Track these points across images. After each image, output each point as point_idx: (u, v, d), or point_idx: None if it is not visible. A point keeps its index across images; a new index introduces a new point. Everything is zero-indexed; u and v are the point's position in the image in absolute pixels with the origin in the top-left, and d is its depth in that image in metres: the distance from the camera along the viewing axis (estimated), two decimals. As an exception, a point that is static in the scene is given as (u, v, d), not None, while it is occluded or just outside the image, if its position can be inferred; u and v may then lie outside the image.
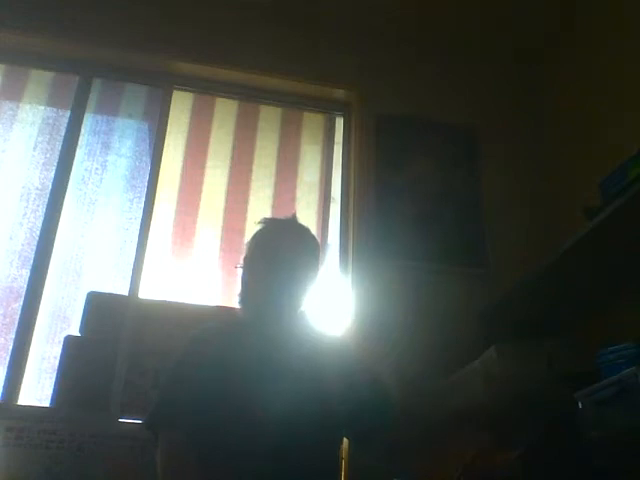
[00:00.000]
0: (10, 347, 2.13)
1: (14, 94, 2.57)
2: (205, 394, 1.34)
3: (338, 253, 2.52)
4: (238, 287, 1.57)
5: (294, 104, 2.81)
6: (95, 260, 2.35)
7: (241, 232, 2.52)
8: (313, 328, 1.58)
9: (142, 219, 2.41)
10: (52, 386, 2.06)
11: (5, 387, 2.07)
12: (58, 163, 2.44)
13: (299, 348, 1.47)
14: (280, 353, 1.44)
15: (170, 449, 1.32)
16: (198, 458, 1.30)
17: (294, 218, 1.67)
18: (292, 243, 1.57)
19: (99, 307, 2.18)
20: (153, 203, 2.45)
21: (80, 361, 2.07)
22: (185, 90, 2.72)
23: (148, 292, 2.31)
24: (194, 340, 1.51)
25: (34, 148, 2.48)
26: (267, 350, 1.43)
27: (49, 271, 2.27)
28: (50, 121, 2.54)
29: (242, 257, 1.59)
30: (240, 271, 1.57)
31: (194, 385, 1.37)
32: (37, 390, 2.12)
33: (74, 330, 2.17)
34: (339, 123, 2.81)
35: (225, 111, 2.74)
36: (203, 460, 1.30)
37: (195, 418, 1.33)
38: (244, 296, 1.55)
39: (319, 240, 2.38)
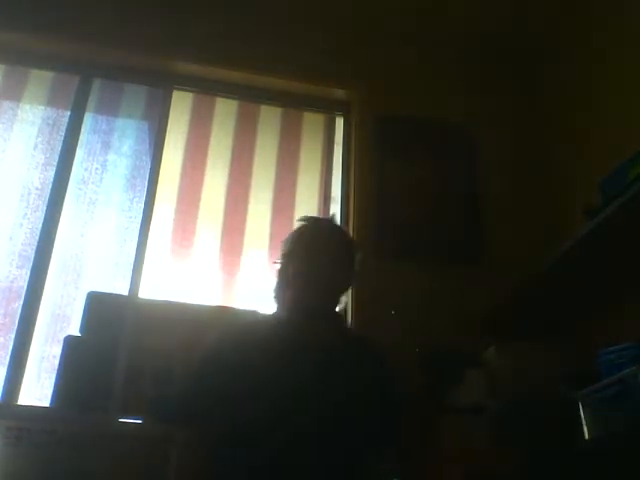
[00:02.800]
0: (10, 347, 2.13)
1: (14, 94, 2.56)
2: (227, 393, 1.34)
3: (338, 253, 2.52)
4: (273, 282, 1.59)
5: (294, 104, 2.81)
6: (95, 260, 2.35)
7: (241, 232, 2.52)
8: (347, 329, 1.58)
9: (142, 219, 2.41)
10: (52, 386, 2.06)
11: (5, 387, 2.07)
12: (58, 163, 2.44)
13: (330, 349, 1.46)
14: (310, 354, 1.43)
15: (189, 447, 1.33)
16: (217, 455, 1.30)
17: (334, 219, 1.72)
18: (336, 243, 1.59)
19: (99, 307, 2.18)
20: (153, 203, 2.45)
21: (80, 361, 2.07)
22: (185, 90, 2.72)
23: (148, 292, 2.31)
24: (219, 339, 1.50)
25: (34, 148, 2.48)
26: (296, 350, 1.42)
27: (49, 271, 2.27)
28: (50, 121, 2.53)
29: (283, 253, 1.60)
30: (277, 266, 1.59)
31: (216, 384, 1.36)
32: (37, 390, 2.12)
33: (74, 330, 2.17)
34: (339, 123, 2.81)
35: (225, 111, 2.74)
36: (223, 457, 1.30)
37: (216, 417, 1.33)
38: (281, 292, 1.55)
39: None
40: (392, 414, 1.44)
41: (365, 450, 1.44)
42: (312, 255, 1.53)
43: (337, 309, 1.58)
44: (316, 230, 1.62)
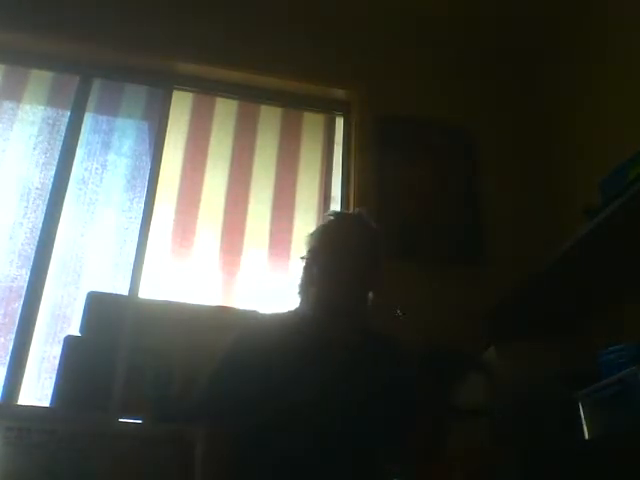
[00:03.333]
0: (10, 347, 2.13)
1: (14, 94, 2.57)
2: (251, 393, 1.33)
3: (338, 253, 2.51)
4: (298, 278, 1.55)
5: (294, 104, 2.81)
6: (95, 260, 2.35)
7: (241, 232, 2.52)
8: (370, 327, 1.56)
9: (142, 219, 2.41)
10: (52, 386, 2.06)
11: (5, 387, 2.07)
12: (58, 163, 2.44)
13: (353, 347, 1.45)
14: (334, 352, 1.41)
15: (212, 447, 1.32)
16: (241, 457, 1.29)
17: (363, 214, 1.64)
18: (363, 240, 1.53)
19: (99, 307, 2.18)
20: (153, 203, 2.45)
21: (80, 361, 2.07)
22: (185, 90, 2.72)
23: (148, 292, 2.31)
24: (241, 339, 1.47)
25: (34, 148, 2.48)
26: (320, 349, 1.40)
27: (49, 271, 2.27)
28: (50, 121, 2.53)
29: (308, 248, 1.55)
30: (303, 262, 1.55)
31: (240, 385, 1.35)
32: (37, 390, 2.12)
33: (74, 330, 2.17)
34: (339, 123, 2.81)
35: (225, 111, 2.74)
36: (246, 457, 1.29)
37: (241, 417, 1.32)
38: (305, 288, 1.52)
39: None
40: (405, 414, 1.43)
41: (382, 450, 1.43)
42: (337, 253, 1.49)
43: (364, 307, 1.53)
44: (343, 226, 1.58)
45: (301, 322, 1.49)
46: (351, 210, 1.59)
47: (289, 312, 1.56)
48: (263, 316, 1.60)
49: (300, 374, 1.34)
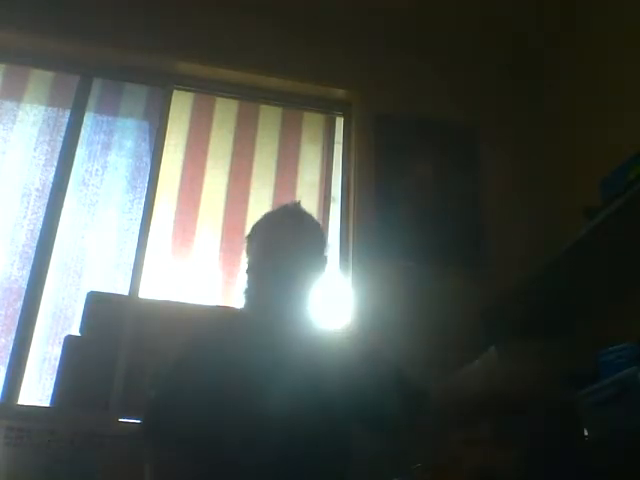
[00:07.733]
0: (10, 347, 2.13)
1: (15, 94, 2.57)
2: (204, 400, 1.31)
3: (338, 253, 2.52)
4: (241, 285, 1.55)
5: (294, 104, 2.81)
6: (95, 261, 2.35)
7: (241, 232, 2.52)
8: (315, 325, 1.55)
9: (142, 219, 2.41)
10: (52, 386, 2.06)
11: (5, 387, 2.07)
12: (58, 163, 2.44)
13: (302, 347, 1.44)
14: (283, 353, 1.41)
15: (163, 465, 1.30)
16: (198, 466, 1.28)
17: (295, 206, 1.60)
18: (295, 237, 1.49)
19: (99, 307, 2.18)
20: (153, 203, 2.45)
21: (80, 361, 2.07)
22: (185, 90, 2.72)
23: (148, 292, 2.31)
24: (191, 344, 1.47)
25: (35, 148, 2.47)
26: (269, 350, 1.40)
27: (49, 272, 2.27)
28: (51, 121, 2.53)
29: (244, 252, 1.56)
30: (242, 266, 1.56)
31: (193, 392, 1.33)
32: (37, 390, 2.12)
33: (74, 330, 2.17)
34: (339, 123, 2.81)
35: (225, 111, 2.74)
36: (203, 468, 1.28)
37: (194, 425, 1.30)
38: (248, 294, 1.51)
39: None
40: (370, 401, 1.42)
41: (347, 450, 1.43)
42: (276, 251, 1.46)
43: (305, 305, 1.50)
44: (276, 225, 1.56)
45: (246, 322, 1.47)
46: (288, 204, 1.60)
47: (236, 313, 1.55)
48: (215, 317, 1.61)
49: (252, 375, 1.32)
